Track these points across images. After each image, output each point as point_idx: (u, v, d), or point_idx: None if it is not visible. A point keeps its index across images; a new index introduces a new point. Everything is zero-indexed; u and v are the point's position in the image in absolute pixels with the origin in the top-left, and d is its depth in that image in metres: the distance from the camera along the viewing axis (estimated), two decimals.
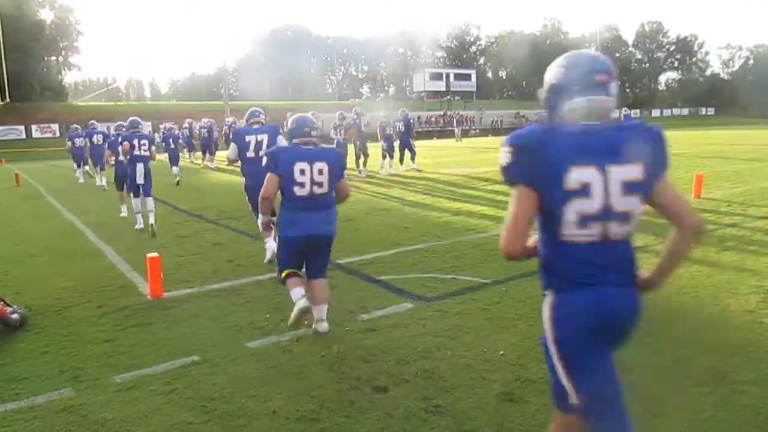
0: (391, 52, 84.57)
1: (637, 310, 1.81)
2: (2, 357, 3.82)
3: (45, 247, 7.52)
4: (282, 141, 5.82)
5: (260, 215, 4.00)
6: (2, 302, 4.34)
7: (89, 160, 16.62)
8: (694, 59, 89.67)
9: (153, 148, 8.41)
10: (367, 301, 4.65)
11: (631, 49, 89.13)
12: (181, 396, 3.17)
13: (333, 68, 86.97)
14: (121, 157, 8.53)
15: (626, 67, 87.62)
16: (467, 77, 61.71)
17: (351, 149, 15.43)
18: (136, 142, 8.19)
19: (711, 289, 4.64)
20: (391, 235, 7.29)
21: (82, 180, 16.76)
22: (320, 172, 3.81)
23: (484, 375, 3.24)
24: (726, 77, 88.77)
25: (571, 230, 1.70)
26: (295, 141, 3.96)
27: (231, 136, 6.74)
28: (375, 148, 15.73)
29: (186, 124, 23.87)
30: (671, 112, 75.28)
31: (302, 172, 3.77)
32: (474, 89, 61.25)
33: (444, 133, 45.80)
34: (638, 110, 66.88)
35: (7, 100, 40.27)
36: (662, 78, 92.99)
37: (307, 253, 3.97)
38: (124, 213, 9.43)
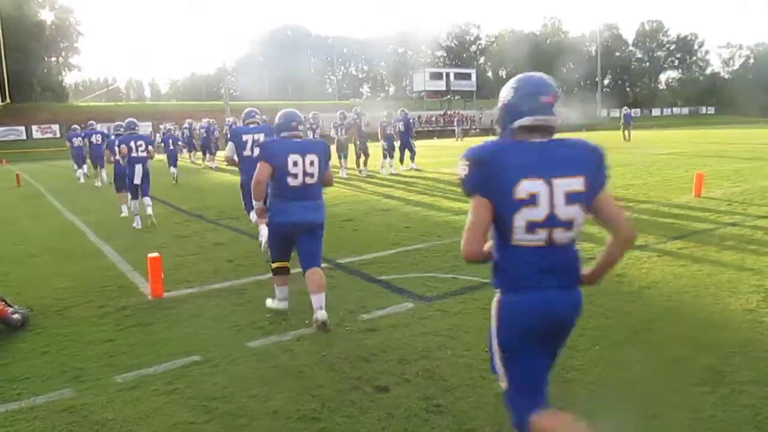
0: (391, 51, 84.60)
1: (577, 311, 2.00)
2: (3, 357, 3.82)
3: (45, 247, 7.53)
4: None
5: (254, 201, 4.21)
6: (3, 302, 4.34)
7: (87, 160, 16.67)
8: (695, 58, 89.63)
9: (151, 148, 8.48)
10: (367, 300, 4.66)
11: (631, 48, 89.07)
12: (182, 396, 3.18)
13: (333, 68, 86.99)
14: (118, 157, 8.60)
15: (626, 66, 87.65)
16: (467, 77, 61.68)
17: (351, 149, 15.48)
18: (132, 144, 8.29)
19: (711, 288, 4.65)
20: (391, 234, 7.29)
21: (82, 180, 16.78)
22: (311, 163, 4.07)
23: (484, 374, 3.24)
24: (726, 76, 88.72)
25: (521, 235, 1.89)
26: (283, 135, 4.17)
27: (229, 136, 6.83)
28: (375, 148, 15.73)
29: (186, 124, 23.91)
30: (671, 111, 75.27)
31: (295, 163, 4.01)
32: (474, 88, 61.22)
33: (444, 133, 45.80)
34: (638, 109, 66.89)
35: (8, 100, 40.26)
36: (662, 77, 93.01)
37: (298, 241, 4.17)
38: (125, 213, 9.45)
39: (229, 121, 22.45)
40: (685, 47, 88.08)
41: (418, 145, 16.85)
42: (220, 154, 20.78)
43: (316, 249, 4.24)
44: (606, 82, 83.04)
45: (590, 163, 1.92)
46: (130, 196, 8.71)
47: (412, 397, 3.04)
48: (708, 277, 4.92)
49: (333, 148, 15.48)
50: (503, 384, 2.04)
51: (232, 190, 12.12)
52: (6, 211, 11.56)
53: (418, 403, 2.97)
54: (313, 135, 15.68)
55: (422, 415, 2.86)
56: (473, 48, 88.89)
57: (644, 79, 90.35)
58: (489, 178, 1.87)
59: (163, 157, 16.83)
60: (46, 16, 54.71)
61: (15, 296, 4.92)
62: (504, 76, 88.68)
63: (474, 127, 48.65)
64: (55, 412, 3.05)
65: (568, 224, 1.89)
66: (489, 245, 2.01)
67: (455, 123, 41.58)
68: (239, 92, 71.31)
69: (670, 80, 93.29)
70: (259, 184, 4.06)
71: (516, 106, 1.94)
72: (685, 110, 75.75)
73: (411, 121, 16.91)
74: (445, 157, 20.73)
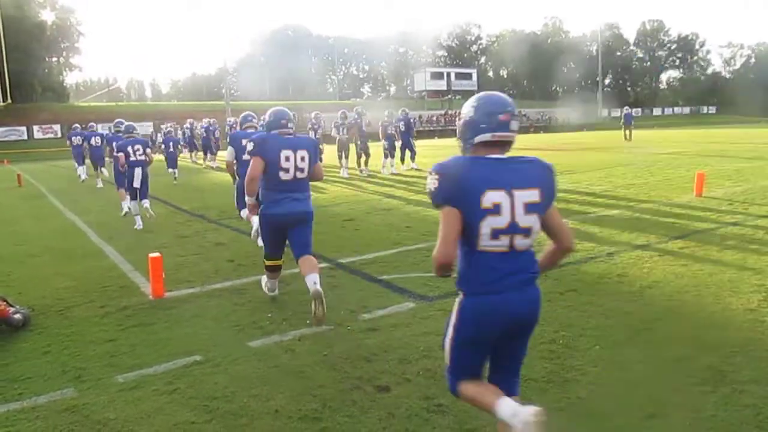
0: (391, 51, 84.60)
1: (536, 308, 2.19)
2: (5, 357, 3.83)
3: (47, 247, 7.53)
4: None
5: (247, 198, 4.45)
6: (5, 302, 4.35)
7: (85, 162, 16.73)
8: (696, 58, 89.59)
9: (149, 150, 8.65)
10: (368, 300, 4.66)
11: (632, 47, 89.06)
12: (183, 396, 3.18)
13: (334, 68, 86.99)
14: (119, 165, 8.75)
15: (627, 66, 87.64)
16: (468, 76, 61.73)
17: (352, 149, 15.48)
18: (130, 148, 8.45)
19: (712, 287, 4.64)
20: (392, 234, 7.29)
21: (83, 177, 16.79)
22: (302, 159, 4.28)
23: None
24: (727, 76, 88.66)
25: (486, 242, 2.07)
26: (273, 132, 4.37)
27: (228, 140, 6.94)
28: (376, 148, 15.73)
29: (188, 124, 23.92)
30: (672, 110, 75.25)
31: (287, 158, 4.22)
32: (475, 88, 61.13)
33: (445, 133, 45.80)
34: (639, 109, 66.84)
35: (9, 101, 40.33)
36: (663, 77, 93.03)
37: (290, 233, 4.37)
38: (126, 209, 9.46)
39: (230, 121, 22.44)
40: (687, 47, 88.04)
41: (419, 144, 16.85)
42: (221, 154, 20.81)
43: (307, 239, 4.42)
44: (607, 81, 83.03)
45: (544, 178, 2.15)
46: (130, 197, 8.83)
47: (413, 396, 3.04)
48: (709, 277, 4.91)
49: (334, 147, 15.60)
50: (446, 360, 2.30)
51: (233, 191, 12.13)
52: (7, 211, 11.57)
53: (419, 403, 2.97)
54: (315, 135, 15.68)
55: (423, 415, 2.86)
56: (474, 48, 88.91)
57: (645, 78, 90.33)
58: (457, 189, 2.04)
59: (162, 157, 16.88)
60: (47, 16, 54.86)
61: (16, 296, 4.92)
62: (505, 76, 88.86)
63: None
64: (57, 412, 3.05)
65: (527, 231, 2.09)
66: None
67: (456, 123, 41.52)
68: (240, 92, 71.38)
69: (671, 80, 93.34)
70: (252, 180, 4.25)
71: (476, 123, 2.13)
72: (686, 110, 75.71)
73: (412, 120, 16.91)
74: (446, 157, 20.70)
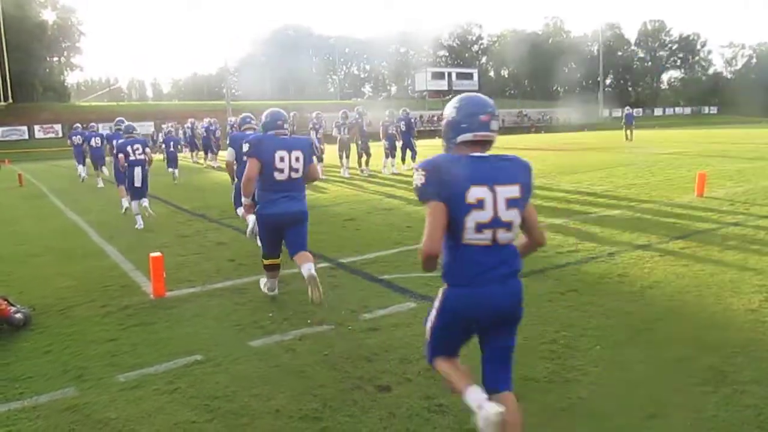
0: (392, 51, 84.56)
1: (517, 300, 2.28)
2: (6, 356, 3.83)
3: (48, 246, 7.54)
4: None
5: (243, 198, 4.55)
6: (6, 302, 4.35)
7: (86, 161, 16.75)
8: (697, 58, 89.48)
9: (148, 149, 8.72)
10: (369, 300, 4.66)
11: (633, 47, 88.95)
12: (184, 395, 3.18)
13: (335, 68, 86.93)
14: (119, 165, 8.79)
15: (628, 66, 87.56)
16: (469, 76, 61.71)
17: (353, 148, 15.47)
18: (129, 148, 8.51)
19: (714, 288, 4.64)
20: (393, 234, 7.29)
21: (84, 175, 16.80)
22: (297, 159, 4.38)
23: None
24: (729, 76, 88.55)
25: (471, 235, 2.17)
26: (269, 133, 4.47)
27: (228, 141, 6.99)
28: (377, 148, 15.73)
29: (189, 124, 23.92)
30: (674, 110, 75.15)
31: (282, 159, 4.31)
32: (476, 88, 61.04)
33: None
34: (640, 109, 66.77)
35: (10, 100, 40.36)
36: (665, 77, 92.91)
37: (287, 232, 4.46)
38: (125, 205, 9.46)
39: (230, 121, 22.46)
40: (688, 47, 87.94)
41: (420, 144, 16.81)
42: (222, 154, 20.81)
43: (303, 240, 4.52)
44: (608, 81, 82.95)
45: (523, 175, 2.24)
46: (130, 197, 8.88)
47: (414, 396, 3.04)
48: (710, 277, 4.91)
49: (335, 147, 15.60)
50: (426, 336, 2.45)
51: (231, 190, 12.14)
52: (8, 211, 11.58)
53: (420, 403, 2.97)
54: (317, 134, 15.71)
55: (424, 415, 2.86)
56: (475, 48, 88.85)
57: (646, 78, 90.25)
58: (444, 185, 2.13)
59: (162, 157, 16.90)
60: (48, 16, 54.86)
61: (17, 296, 4.93)
62: (506, 76, 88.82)
63: None
64: (58, 411, 3.06)
65: (508, 225, 2.19)
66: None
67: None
68: (241, 92, 71.39)
69: (672, 80, 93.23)
70: (249, 181, 4.36)
71: (458, 123, 2.24)
72: (688, 110, 75.62)
73: (413, 120, 16.89)
74: None
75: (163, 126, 23.98)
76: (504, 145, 27.82)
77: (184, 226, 8.58)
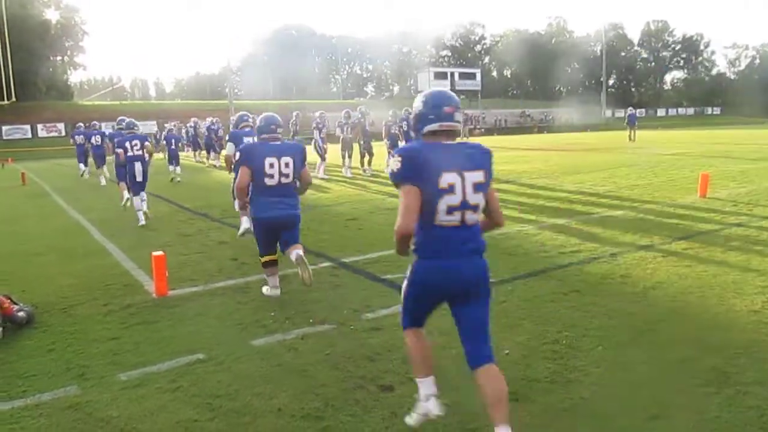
0: (395, 51, 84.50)
1: (482, 275, 2.49)
2: (9, 354, 3.84)
3: (50, 245, 7.55)
4: None
5: (237, 203, 4.88)
6: (9, 300, 4.36)
7: (87, 160, 16.81)
8: (700, 58, 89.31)
9: (147, 144, 8.81)
10: (371, 299, 4.65)
11: (636, 48, 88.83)
12: (186, 393, 3.18)
13: (337, 67, 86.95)
14: (119, 160, 8.84)
15: (631, 67, 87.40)
16: (472, 76, 61.56)
17: (356, 148, 15.48)
18: (128, 144, 8.61)
19: (716, 289, 4.63)
20: None
21: (86, 176, 16.84)
22: (287, 165, 4.52)
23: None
24: (732, 77, 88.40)
25: (442, 217, 2.38)
26: (263, 137, 4.65)
27: (228, 137, 7.12)
28: (380, 147, 15.74)
29: (191, 123, 23.94)
30: (677, 111, 75.02)
31: (271, 165, 4.46)
32: (479, 88, 61.09)
33: None
34: (643, 110, 66.64)
35: (13, 99, 40.38)
36: (668, 77, 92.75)
37: (282, 234, 4.67)
38: (126, 197, 9.48)
39: (233, 120, 22.49)
40: (691, 47, 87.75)
41: None
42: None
43: (295, 236, 4.71)
44: (611, 82, 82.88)
45: (486, 162, 2.47)
46: (132, 193, 8.98)
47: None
48: (713, 278, 4.90)
49: (338, 146, 15.60)
50: (400, 305, 2.70)
51: (231, 185, 12.15)
52: (11, 209, 11.61)
53: None
54: (320, 134, 15.73)
55: None
56: (478, 47, 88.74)
57: (649, 79, 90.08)
58: (418, 171, 2.33)
59: (164, 155, 16.93)
60: (51, 15, 54.96)
61: (20, 294, 4.94)
62: (508, 76, 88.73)
63: (478, 126, 48.59)
64: (60, 409, 3.06)
65: (475, 208, 2.42)
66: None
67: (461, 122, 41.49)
68: (243, 92, 71.52)
69: (675, 80, 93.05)
70: (241, 190, 4.56)
71: (425, 115, 2.44)
72: (691, 111, 75.47)
73: None
74: None
75: (166, 125, 24.01)
76: (506, 145, 27.79)
77: (186, 225, 8.60)
